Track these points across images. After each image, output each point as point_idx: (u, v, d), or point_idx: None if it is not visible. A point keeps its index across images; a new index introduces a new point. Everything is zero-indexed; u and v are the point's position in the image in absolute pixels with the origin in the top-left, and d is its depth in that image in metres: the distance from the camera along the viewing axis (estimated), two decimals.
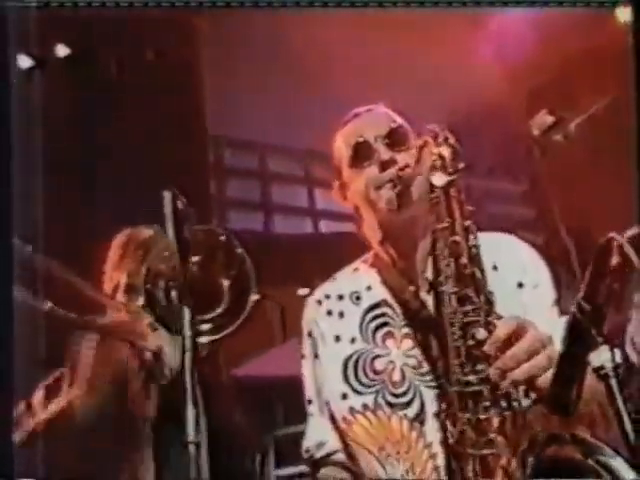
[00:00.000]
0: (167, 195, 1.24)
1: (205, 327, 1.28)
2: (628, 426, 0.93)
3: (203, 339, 1.29)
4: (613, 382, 0.93)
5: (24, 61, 3.08)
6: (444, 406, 1.20)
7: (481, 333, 1.10)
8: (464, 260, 1.15)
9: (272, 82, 4.44)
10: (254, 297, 1.26)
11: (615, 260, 0.89)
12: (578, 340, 0.94)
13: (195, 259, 1.31)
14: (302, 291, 5.16)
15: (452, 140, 1.22)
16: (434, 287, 1.22)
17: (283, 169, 6.10)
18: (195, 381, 1.12)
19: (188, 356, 1.12)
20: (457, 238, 1.16)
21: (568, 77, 4.36)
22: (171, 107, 4.24)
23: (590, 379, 0.98)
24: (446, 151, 1.20)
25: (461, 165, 1.21)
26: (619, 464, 0.99)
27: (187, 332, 1.15)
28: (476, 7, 2.17)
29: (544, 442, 1.05)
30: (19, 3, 2.13)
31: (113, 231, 1.58)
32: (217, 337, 1.27)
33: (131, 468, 1.43)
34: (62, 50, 3.69)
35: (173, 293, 1.30)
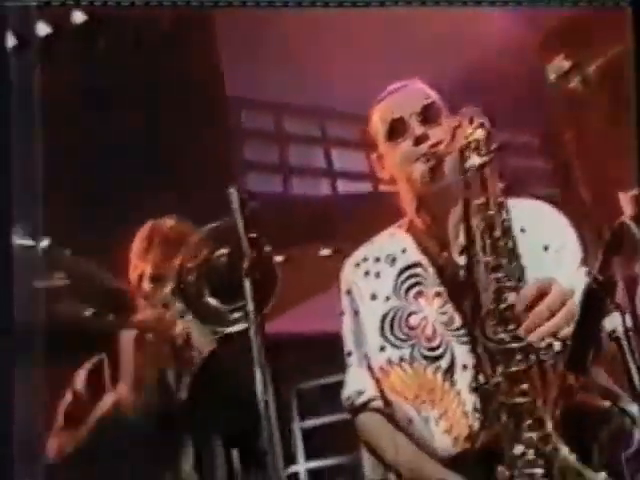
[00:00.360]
0: (233, 192, 1.31)
1: (236, 316, 1.36)
2: (638, 383, 1.06)
3: (234, 328, 1.37)
4: (624, 344, 1.07)
5: (42, 29, 3.06)
6: (476, 360, 1.33)
7: (512, 297, 1.24)
8: (498, 233, 1.28)
9: (290, 42, 4.43)
10: (279, 258, 1.33)
11: (625, 241, 1.03)
12: (593, 307, 1.07)
13: (224, 251, 1.39)
14: (324, 251, 5.24)
15: (486, 124, 1.33)
16: (466, 250, 1.34)
17: (299, 130, 6.10)
18: (262, 344, 1.22)
19: (252, 327, 1.22)
20: (491, 213, 1.29)
21: (585, 21, 4.26)
22: (188, 70, 4.26)
23: None
24: (481, 134, 1.31)
25: (494, 146, 1.32)
26: (636, 410, 1.12)
27: (250, 304, 1.24)
28: (476, 6, 2.18)
29: (573, 390, 1.18)
30: (19, 3, 2.15)
31: (135, 220, 1.63)
32: (245, 326, 1.34)
33: (170, 454, 1.50)
34: (78, 17, 3.67)
35: (202, 283, 1.37)
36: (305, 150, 6.16)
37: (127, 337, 1.49)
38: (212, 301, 1.39)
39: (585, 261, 1.43)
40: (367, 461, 5.28)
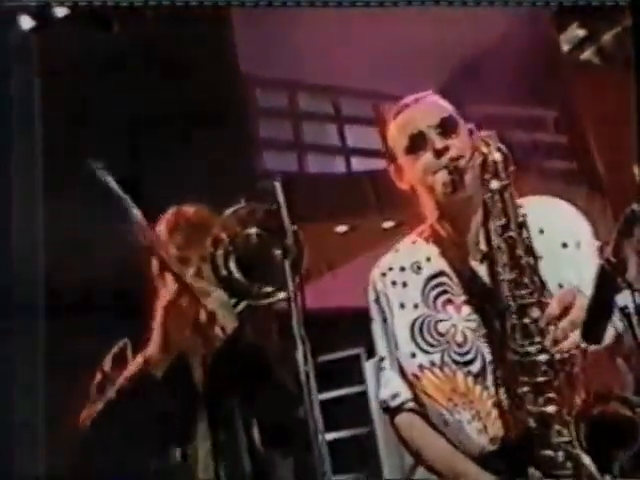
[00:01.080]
0: (277, 184, 1.36)
1: (265, 290, 1.43)
2: None
3: (264, 301, 1.44)
4: (634, 319, 1.15)
5: (25, 22, 2.99)
6: (502, 372, 1.39)
7: (535, 312, 1.31)
8: (519, 252, 1.35)
9: (303, 18, 4.42)
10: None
11: (636, 226, 1.12)
12: (606, 286, 1.15)
13: (252, 231, 1.44)
14: (340, 228, 5.27)
15: (503, 147, 1.39)
16: (487, 259, 1.40)
17: (313, 107, 6.10)
18: (301, 319, 1.28)
19: (293, 302, 1.29)
20: (512, 234, 1.36)
21: None
22: (202, 48, 4.27)
23: None
24: (498, 157, 1.38)
25: (512, 169, 1.39)
26: None
27: (290, 283, 1.31)
28: (476, 7, 2.17)
29: (594, 401, 1.23)
30: (19, 3, 2.16)
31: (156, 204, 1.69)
32: (277, 299, 1.41)
33: (187, 428, 1.56)
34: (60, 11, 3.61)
35: (231, 260, 1.43)
36: (319, 128, 6.16)
37: (160, 301, 1.55)
38: (239, 276, 1.45)
39: (601, 250, 1.45)
40: (381, 435, 5.36)
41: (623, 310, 1.15)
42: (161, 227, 1.65)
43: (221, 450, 1.56)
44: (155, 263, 1.63)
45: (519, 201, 1.40)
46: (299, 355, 1.25)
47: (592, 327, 1.17)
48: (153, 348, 1.54)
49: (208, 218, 1.62)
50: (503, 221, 1.36)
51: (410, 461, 5.07)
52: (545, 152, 6.10)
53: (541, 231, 1.44)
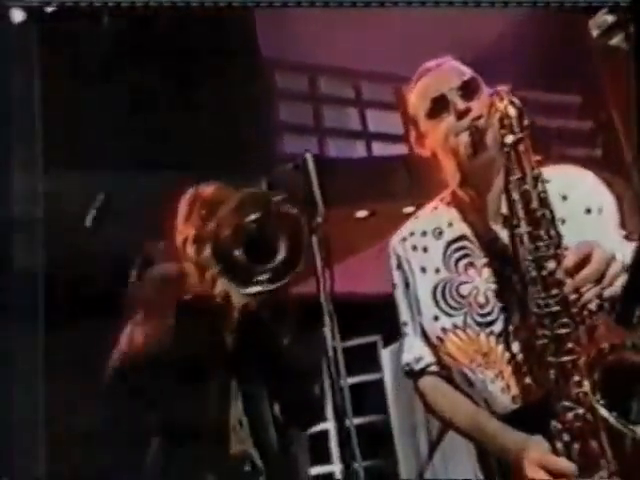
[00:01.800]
0: (309, 157, 1.36)
1: (265, 277, 1.42)
2: None
3: (263, 287, 1.42)
4: None
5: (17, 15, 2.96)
6: (524, 325, 1.39)
7: (552, 264, 1.31)
8: (535, 205, 1.35)
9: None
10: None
11: None
12: None
13: (253, 217, 1.43)
14: (360, 213, 5.24)
15: (517, 101, 1.39)
16: (508, 222, 1.39)
17: (334, 91, 6.05)
18: (329, 296, 1.29)
19: (321, 280, 1.30)
20: (527, 187, 1.36)
21: None
22: (222, 33, 4.24)
23: None
24: (512, 111, 1.38)
25: (526, 122, 1.38)
26: None
27: (318, 260, 1.32)
28: (476, 7, 2.13)
29: (609, 351, 1.23)
30: (19, 3, 2.15)
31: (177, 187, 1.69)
32: (275, 286, 1.42)
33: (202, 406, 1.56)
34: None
35: (235, 244, 1.43)
36: (340, 112, 6.11)
37: (157, 272, 1.56)
38: (243, 260, 1.44)
39: (623, 224, 1.47)
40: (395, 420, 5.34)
41: None
42: (181, 207, 1.66)
43: (252, 427, 1.58)
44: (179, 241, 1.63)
45: (543, 169, 1.40)
46: (327, 331, 1.25)
47: (626, 308, 1.16)
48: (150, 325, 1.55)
49: (226, 196, 1.61)
50: (518, 174, 1.36)
51: (426, 450, 5.06)
52: (569, 138, 6.01)
53: (564, 197, 1.45)
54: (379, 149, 5.90)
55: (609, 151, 5.91)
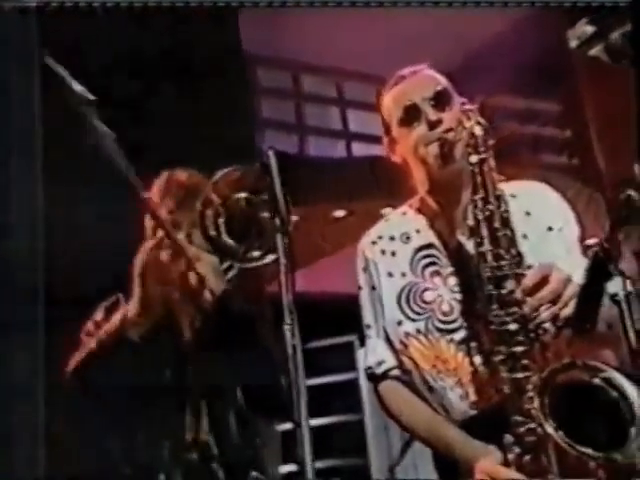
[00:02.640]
0: (271, 154, 1.37)
1: (255, 254, 1.41)
2: (634, 342, 1.16)
3: (253, 264, 1.42)
4: (624, 307, 1.16)
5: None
6: (482, 341, 1.42)
7: (511, 284, 1.34)
8: (497, 224, 1.37)
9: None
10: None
11: (632, 213, 1.13)
12: (598, 272, 1.17)
13: (242, 195, 1.43)
14: (338, 213, 5.25)
15: (483, 121, 1.41)
16: (473, 238, 1.41)
17: (316, 89, 6.05)
18: (290, 288, 1.27)
19: (284, 277, 1.27)
20: (491, 207, 1.38)
21: None
22: (205, 29, 4.23)
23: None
24: (478, 131, 1.40)
25: (491, 142, 1.41)
26: (622, 379, 1.18)
27: (282, 258, 1.30)
28: (475, 7, 2.16)
29: (560, 369, 1.24)
30: (19, 3, 2.14)
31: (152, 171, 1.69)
32: (264, 262, 1.40)
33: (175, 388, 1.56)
34: None
35: (220, 223, 1.42)
36: (322, 111, 6.12)
37: (139, 257, 1.55)
38: (228, 240, 1.45)
39: (582, 238, 1.49)
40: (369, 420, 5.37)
41: (613, 297, 1.17)
42: (153, 191, 1.65)
43: (210, 412, 1.57)
44: (148, 224, 1.62)
45: (508, 184, 1.43)
46: (287, 328, 1.24)
47: (583, 316, 1.18)
48: (132, 307, 1.54)
49: (200, 183, 1.61)
50: (482, 194, 1.38)
51: (398, 450, 5.09)
52: (545, 146, 6.08)
53: (528, 213, 1.49)
54: (359, 149, 5.92)
55: (585, 161, 5.99)
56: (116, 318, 1.57)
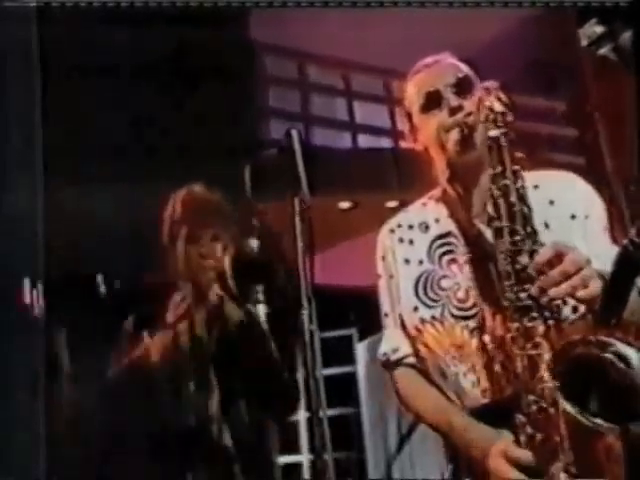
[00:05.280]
0: (294, 133, 1.39)
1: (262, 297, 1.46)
2: None
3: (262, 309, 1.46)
4: None
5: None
6: (497, 318, 1.43)
7: (525, 259, 1.34)
8: (513, 199, 1.37)
9: None
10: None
11: None
12: (627, 266, 1.16)
13: (253, 243, 1.48)
14: (343, 204, 5.23)
15: (504, 97, 1.42)
16: (491, 221, 1.41)
17: (323, 80, 6.02)
18: (309, 280, 1.30)
19: (302, 262, 1.31)
20: (507, 182, 1.38)
21: None
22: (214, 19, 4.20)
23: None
24: (498, 106, 1.40)
25: (510, 118, 1.40)
26: (631, 351, 1.19)
27: (300, 245, 1.32)
28: (476, 7, 2.15)
29: (574, 344, 1.24)
30: (19, 3, 2.13)
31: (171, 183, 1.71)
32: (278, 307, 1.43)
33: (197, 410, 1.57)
34: None
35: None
36: (328, 101, 6.09)
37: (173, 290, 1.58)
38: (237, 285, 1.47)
39: (611, 229, 1.49)
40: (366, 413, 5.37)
41: None
42: (176, 205, 1.67)
43: (227, 416, 1.59)
44: (166, 237, 1.66)
45: (531, 173, 1.42)
46: (305, 314, 1.26)
47: (608, 310, 1.17)
48: (159, 338, 1.57)
49: (216, 198, 1.66)
50: (499, 169, 1.38)
51: (394, 444, 5.09)
52: (553, 144, 6.05)
53: (551, 202, 1.48)
54: (365, 141, 5.89)
55: (592, 159, 5.96)
56: (141, 347, 1.60)
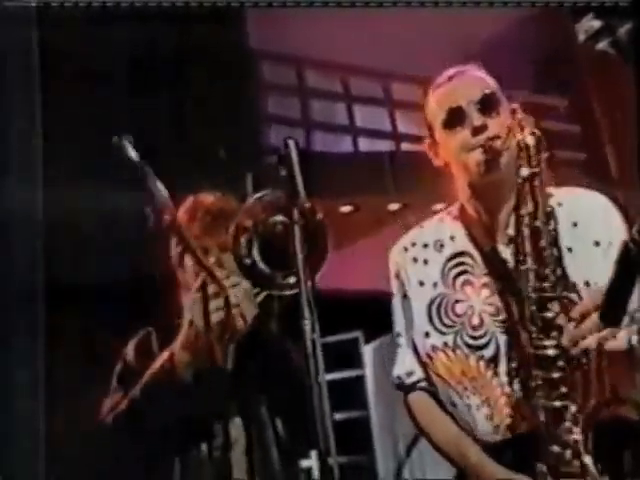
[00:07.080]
0: (291, 142, 1.33)
1: (291, 281, 1.35)
2: None
3: (290, 291, 1.37)
4: None
5: None
6: (517, 363, 1.37)
7: (555, 307, 1.28)
8: (543, 243, 1.31)
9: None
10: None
11: None
12: (629, 264, 1.12)
13: (278, 218, 1.39)
14: (344, 208, 5.22)
15: (537, 132, 1.36)
16: (513, 242, 1.37)
17: (323, 85, 6.03)
18: (310, 290, 1.25)
19: (302, 272, 1.25)
20: (538, 224, 1.32)
21: None
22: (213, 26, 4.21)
23: None
24: (531, 142, 1.34)
25: (544, 155, 1.35)
26: None
27: (299, 252, 1.27)
28: (476, 7, 2.15)
29: (607, 402, 1.23)
30: (19, 3, 2.13)
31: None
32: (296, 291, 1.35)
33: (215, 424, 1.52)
34: None
35: (255, 249, 1.39)
36: (327, 106, 6.09)
37: (188, 298, 1.52)
38: (263, 265, 1.40)
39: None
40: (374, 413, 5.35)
41: None
42: (181, 215, 1.60)
43: (254, 447, 1.53)
44: (174, 247, 1.60)
45: (555, 190, 1.38)
46: (306, 323, 1.22)
47: (611, 308, 1.14)
48: (177, 346, 1.50)
49: (227, 206, 1.59)
50: (530, 209, 1.32)
51: (404, 446, 5.08)
52: (555, 141, 6.04)
53: (575, 224, 1.42)
54: (365, 145, 5.89)
55: (593, 156, 5.95)
56: (162, 359, 1.53)
